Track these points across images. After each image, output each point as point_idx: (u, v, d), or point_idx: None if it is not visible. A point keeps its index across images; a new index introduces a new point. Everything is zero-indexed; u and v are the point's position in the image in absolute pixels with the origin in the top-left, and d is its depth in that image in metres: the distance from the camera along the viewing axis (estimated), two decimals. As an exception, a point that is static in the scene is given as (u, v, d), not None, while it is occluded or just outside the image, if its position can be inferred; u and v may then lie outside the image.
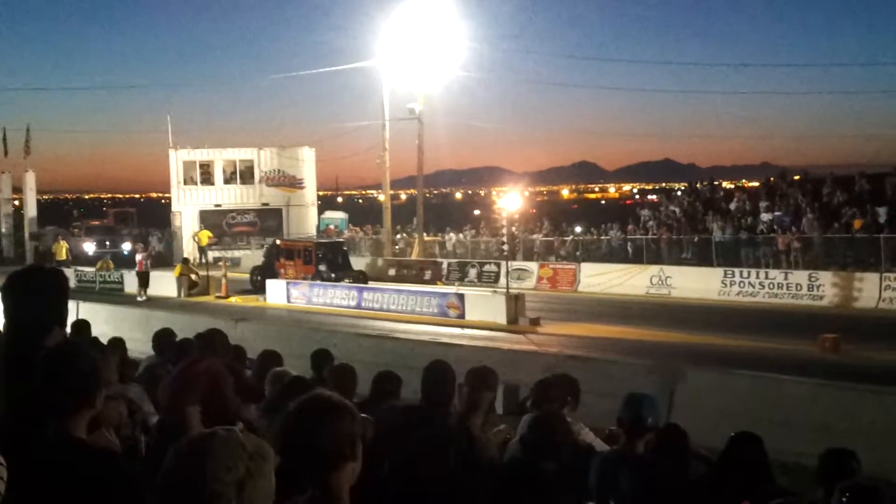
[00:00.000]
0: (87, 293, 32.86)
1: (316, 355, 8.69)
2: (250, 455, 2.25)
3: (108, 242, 51.10)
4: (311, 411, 2.76)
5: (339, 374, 7.22)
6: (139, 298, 32.55)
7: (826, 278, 27.37)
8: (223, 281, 33.81)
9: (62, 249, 44.27)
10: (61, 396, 3.16)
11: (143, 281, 33.72)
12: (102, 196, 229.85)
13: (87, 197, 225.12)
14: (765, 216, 32.09)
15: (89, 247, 48.19)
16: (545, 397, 6.09)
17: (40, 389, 3.17)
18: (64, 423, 3.15)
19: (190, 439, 2.30)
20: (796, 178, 37.48)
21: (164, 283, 34.49)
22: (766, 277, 28.68)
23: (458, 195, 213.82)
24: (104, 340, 9.09)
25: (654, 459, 5.36)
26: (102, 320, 18.98)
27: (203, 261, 40.39)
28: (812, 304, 26.98)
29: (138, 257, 34.93)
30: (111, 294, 34.54)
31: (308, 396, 2.86)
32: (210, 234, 45.14)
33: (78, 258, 45.59)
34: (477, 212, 53.92)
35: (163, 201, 65.57)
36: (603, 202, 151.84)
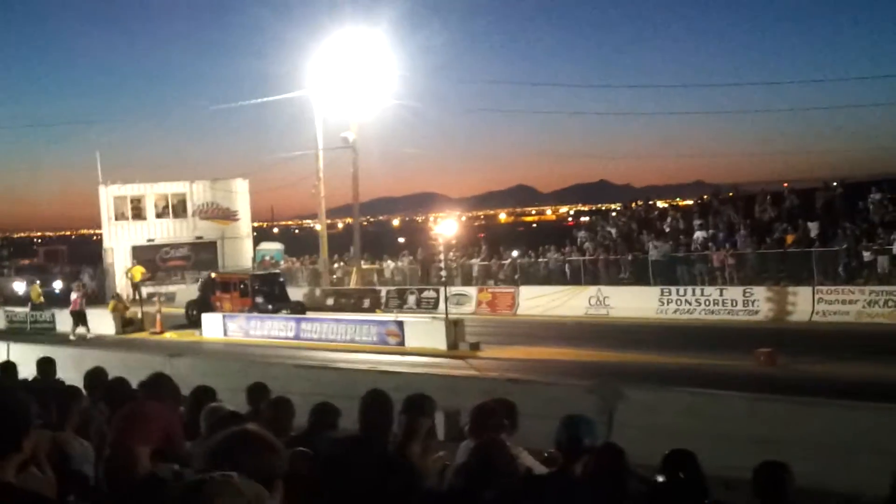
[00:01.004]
0: (18, 334, 32.13)
1: (252, 389, 8.54)
2: (249, 500, 2.28)
3: (38, 281, 50.02)
4: (229, 447, 2.71)
5: (276, 407, 7.12)
6: (72, 338, 31.83)
7: (760, 293, 27.78)
8: (157, 316, 33.27)
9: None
10: None
11: (79, 320, 33.02)
12: (32, 234, 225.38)
13: (16, 235, 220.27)
14: (699, 234, 32.53)
15: (19, 286, 47.07)
16: (482, 423, 6.04)
17: None
18: None
19: (185, 484, 2.30)
20: (729, 195, 38.13)
21: (99, 321, 33.84)
22: (702, 294, 29.02)
23: (396, 222, 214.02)
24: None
25: (592, 480, 5.34)
26: (32, 361, 18.47)
27: (137, 297, 39.67)
28: (747, 319, 27.36)
29: (73, 296, 34.22)
30: (43, 334, 33.80)
31: (228, 431, 2.83)
32: (143, 270, 44.31)
33: (9, 298, 44.55)
34: (402, 240, 53.21)
35: (94, 238, 64.41)
36: (535, 225, 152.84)
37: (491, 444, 5.33)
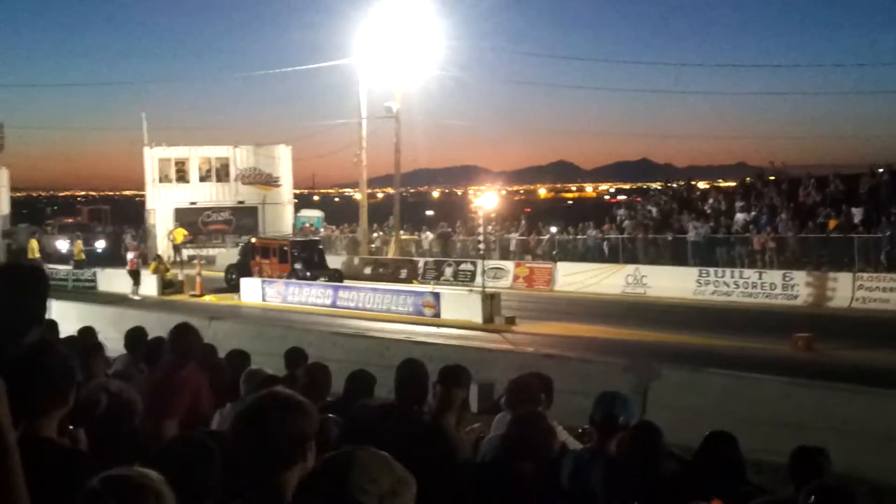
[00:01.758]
0: (60, 292, 32.60)
1: (290, 353, 8.63)
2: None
3: (81, 238, 50.68)
4: (264, 408, 2.70)
5: (314, 372, 7.17)
6: (134, 297, 32.23)
7: (800, 278, 27.52)
8: (197, 279, 33.60)
9: (34, 247, 43.88)
10: (34, 397, 3.10)
11: (136, 279, 33.48)
12: (76, 193, 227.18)
13: (60, 194, 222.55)
14: (740, 216, 32.21)
15: (62, 244, 47.69)
16: (519, 396, 6.06)
17: (13, 390, 3.09)
18: (34, 424, 3.09)
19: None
20: (771, 178, 37.66)
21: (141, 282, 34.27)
22: (741, 277, 28.80)
23: (436, 194, 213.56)
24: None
25: (626, 457, 5.33)
26: (74, 319, 18.76)
27: (178, 259, 40.11)
28: (786, 303, 27.13)
29: (130, 255, 34.68)
30: (84, 292, 34.26)
31: (263, 393, 2.82)
32: (185, 232, 44.82)
33: (51, 256, 45.16)
34: (430, 212, 51.89)
35: (137, 199, 64.99)
36: (571, 203, 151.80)
37: (532, 416, 5.34)
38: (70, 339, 9.16)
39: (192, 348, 6.99)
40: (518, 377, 6.44)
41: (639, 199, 44.50)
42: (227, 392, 7.25)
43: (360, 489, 2.23)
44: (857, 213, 29.08)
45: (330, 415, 5.81)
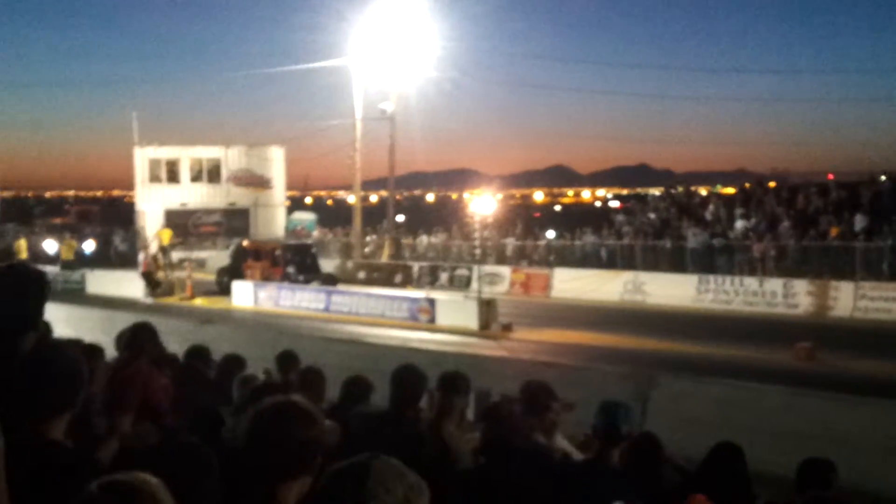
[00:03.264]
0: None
1: (282, 357, 8.44)
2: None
3: (69, 236, 50.52)
4: (279, 415, 2.72)
5: (308, 377, 7.03)
6: (146, 300, 31.91)
7: (801, 286, 27.33)
8: (188, 282, 33.34)
9: (22, 247, 43.65)
10: (41, 399, 3.10)
11: (149, 280, 33.19)
12: (65, 194, 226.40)
13: (48, 195, 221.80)
14: (740, 223, 32.06)
15: (50, 245, 47.40)
16: (531, 405, 5.87)
17: (21, 392, 3.10)
18: (41, 426, 3.08)
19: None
20: (772, 184, 37.58)
21: (128, 284, 33.99)
22: (741, 285, 28.61)
23: (431, 197, 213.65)
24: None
25: (628, 468, 5.21)
26: (62, 321, 18.51)
27: (166, 261, 39.78)
28: (787, 312, 26.95)
29: (140, 257, 34.42)
30: (73, 294, 33.93)
31: (277, 400, 2.83)
32: (171, 234, 44.33)
33: (39, 257, 44.85)
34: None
35: (126, 200, 64.88)
36: (558, 208, 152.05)
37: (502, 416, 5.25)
38: (73, 341, 8.96)
39: (144, 346, 6.86)
40: (528, 382, 6.26)
41: (629, 203, 44.41)
42: (216, 395, 7.09)
43: (376, 499, 2.25)
44: (859, 221, 28.88)
45: (329, 421, 5.64)
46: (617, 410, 5.50)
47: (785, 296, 27.44)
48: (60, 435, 3.15)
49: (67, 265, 38.86)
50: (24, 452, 2.91)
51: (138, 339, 6.76)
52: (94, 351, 7.59)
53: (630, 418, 5.53)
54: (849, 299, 26.29)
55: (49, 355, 3.27)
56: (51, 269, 38.93)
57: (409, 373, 5.59)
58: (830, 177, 39.17)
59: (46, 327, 9.78)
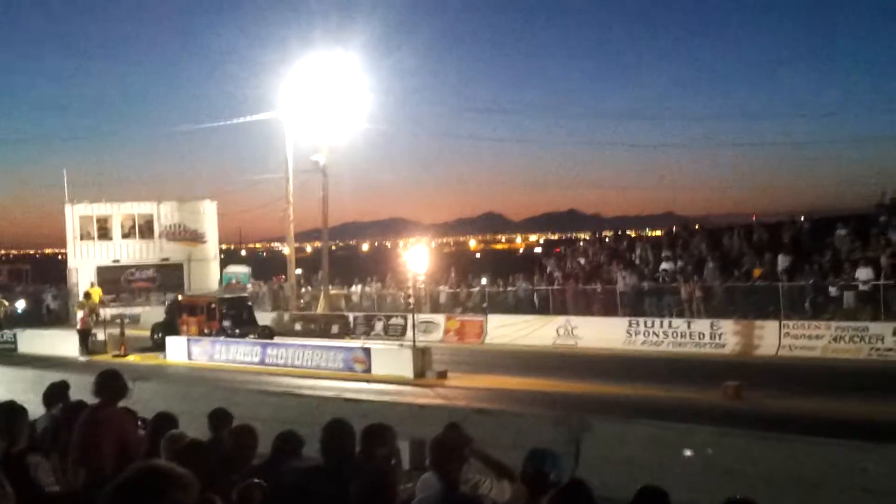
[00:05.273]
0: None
1: (214, 415, 8.41)
2: None
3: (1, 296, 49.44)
4: (136, 485, 2.64)
5: (239, 435, 7.03)
6: (81, 359, 31.32)
7: (728, 326, 27.83)
8: (122, 339, 32.85)
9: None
10: None
11: (85, 338, 32.61)
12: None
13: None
14: (666, 265, 32.58)
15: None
16: (442, 456, 5.97)
17: None
18: None
19: None
20: (697, 227, 38.30)
21: (61, 343, 33.39)
22: (670, 326, 29.04)
23: (365, 247, 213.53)
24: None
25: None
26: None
27: (96, 319, 39.12)
28: (715, 352, 27.41)
29: (80, 314, 33.79)
30: (3, 355, 33.22)
31: (135, 468, 2.75)
32: (100, 292, 43.54)
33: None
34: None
35: (59, 257, 63.74)
36: (478, 255, 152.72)
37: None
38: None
39: (119, 392, 7.30)
40: (439, 435, 6.35)
41: (559, 249, 44.83)
42: (149, 454, 7.09)
43: None
44: (782, 262, 29.58)
45: (255, 480, 5.70)
46: (544, 457, 5.61)
47: (712, 336, 27.94)
48: None
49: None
50: None
51: (110, 386, 7.18)
52: (15, 411, 7.59)
53: (559, 465, 5.60)
54: (774, 338, 26.81)
55: None
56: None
57: (336, 428, 5.66)
58: (754, 218, 40.11)
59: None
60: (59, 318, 45.66)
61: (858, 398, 18.81)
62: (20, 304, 45.54)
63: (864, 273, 26.96)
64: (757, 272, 29.66)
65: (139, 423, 8.70)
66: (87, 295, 37.14)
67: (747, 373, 22.02)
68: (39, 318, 45.54)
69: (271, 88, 45.44)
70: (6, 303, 40.05)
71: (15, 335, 36.26)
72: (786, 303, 28.05)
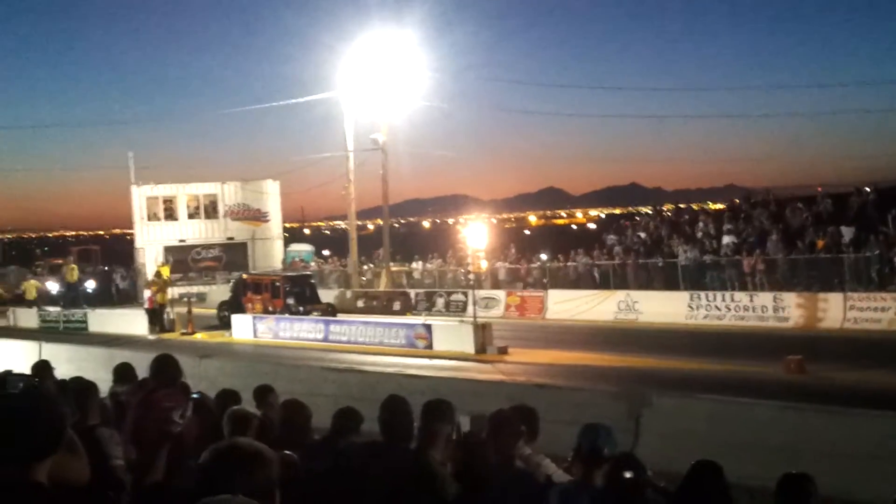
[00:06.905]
0: (51, 333, 32.49)
1: (258, 391, 8.52)
2: None
3: (73, 261, 50.96)
4: (220, 464, 2.73)
5: (286, 410, 7.20)
6: (151, 337, 32.13)
7: (791, 300, 27.50)
8: (189, 317, 33.51)
9: (32, 289, 44.02)
10: (24, 443, 3.10)
11: (153, 317, 33.45)
12: (66, 234, 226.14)
13: (50, 235, 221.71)
14: (728, 238, 32.20)
15: (52, 286, 47.62)
16: (500, 430, 6.05)
17: (4, 438, 3.09)
18: (25, 469, 3.08)
19: None
20: (760, 199, 37.65)
21: (131, 322, 34.16)
22: (732, 300, 28.79)
23: (426, 224, 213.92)
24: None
25: (610, 491, 5.33)
26: (65, 360, 18.75)
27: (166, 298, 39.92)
28: (777, 325, 27.12)
29: (147, 294, 34.62)
30: (75, 334, 34.12)
31: (217, 447, 2.83)
32: (168, 269, 44.42)
33: (42, 297, 45.07)
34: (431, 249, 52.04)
35: (127, 237, 64.97)
36: (530, 230, 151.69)
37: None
38: (63, 382, 9.17)
39: (174, 378, 7.30)
40: (496, 412, 6.42)
41: (627, 223, 44.39)
42: (213, 433, 7.25)
43: None
44: (847, 233, 29.06)
45: (287, 452, 5.77)
46: (598, 433, 5.66)
47: (775, 309, 27.62)
48: (44, 478, 3.16)
49: (71, 287, 39.24)
50: (8, 494, 3.05)
51: (165, 372, 7.23)
52: (88, 388, 7.82)
53: (611, 440, 5.64)
54: (838, 310, 26.44)
55: (30, 400, 3.31)
56: (54, 310, 39.35)
57: (395, 405, 5.71)
58: (819, 189, 39.33)
59: (46, 366, 10.08)
60: (128, 298, 46.66)
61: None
62: (90, 284, 46.61)
63: (931, 243, 26.37)
64: (820, 244, 29.17)
65: (192, 404, 8.91)
66: (159, 273, 37.93)
67: (811, 346, 21.73)
68: (109, 297, 46.59)
69: (329, 68, 45.71)
70: (76, 267, 41.11)
71: (86, 315, 37.15)
72: (851, 275, 27.61)
